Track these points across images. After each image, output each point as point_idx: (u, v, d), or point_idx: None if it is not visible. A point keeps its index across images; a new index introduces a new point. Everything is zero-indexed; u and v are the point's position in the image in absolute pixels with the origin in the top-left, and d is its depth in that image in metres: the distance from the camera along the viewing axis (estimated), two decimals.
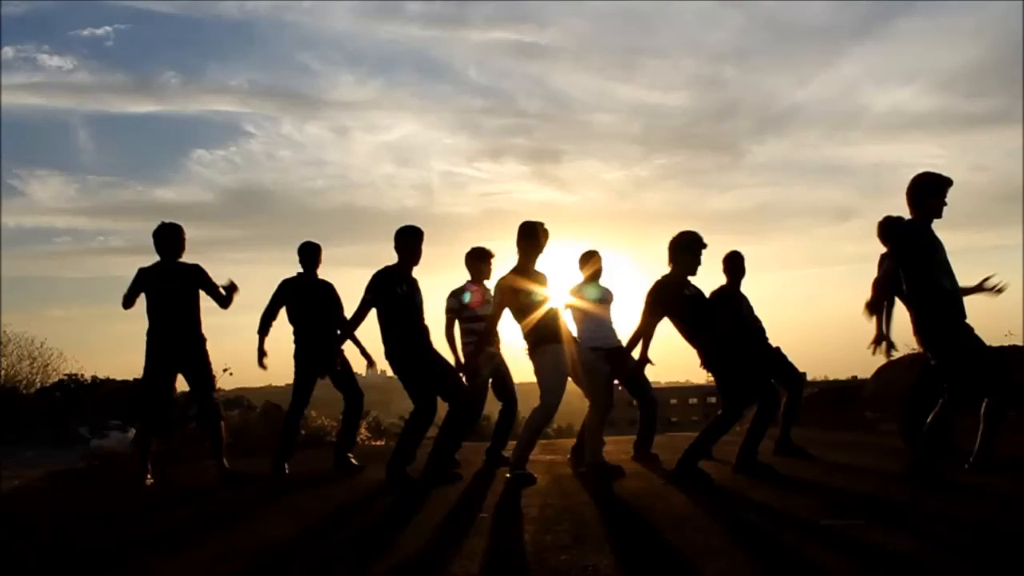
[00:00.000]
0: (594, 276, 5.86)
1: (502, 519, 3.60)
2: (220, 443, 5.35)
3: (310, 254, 5.73)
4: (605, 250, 6.02)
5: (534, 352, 4.68)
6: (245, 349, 5.98)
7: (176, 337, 5.19)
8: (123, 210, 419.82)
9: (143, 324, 5.25)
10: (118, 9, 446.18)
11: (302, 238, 5.78)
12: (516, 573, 2.66)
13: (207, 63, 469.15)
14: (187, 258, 5.33)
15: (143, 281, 5.18)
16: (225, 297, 5.32)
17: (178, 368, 5.24)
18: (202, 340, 5.33)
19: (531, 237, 4.82)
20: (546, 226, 4.87)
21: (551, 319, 4.74)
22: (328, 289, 5.81)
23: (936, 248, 4.05)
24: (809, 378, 6.02)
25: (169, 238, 5.25)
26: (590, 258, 5.87)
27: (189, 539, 3.50)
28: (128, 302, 5.15)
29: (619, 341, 5.63)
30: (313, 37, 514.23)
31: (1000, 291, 4.41)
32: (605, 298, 5.83)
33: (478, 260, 5.79)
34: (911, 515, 3.27)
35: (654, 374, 5.85)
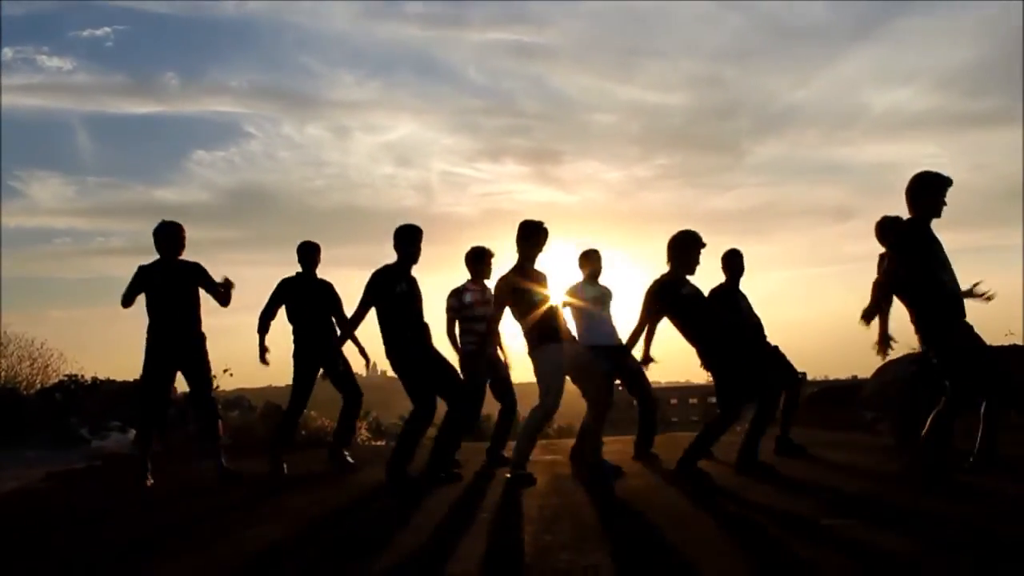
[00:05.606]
0: (593, 275, 5.88)
1: (502, 519, 3.61)
2: (218, 442, 5.36)
3: (309, 253, 5.77)
4: (605, 250, 6.04)
5: (534, 351, 4.68)
6: (245, 349, 6.00)
7: (176, 335, 5.19)
8: (123, 211, 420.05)
9: (142, 324, 5.25)
10: (117, 10, 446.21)
11: (302, 238, 5.84)
12: (516, 574, 2.67)
13: (207, 64, 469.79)
14: (186, 258, 5.34)
15: (143, 279, 5.18)
16: (224, 295, 5.35)
17: (177, 366, 5.25)
18: (202, 338, 5.34)
19: (531, 236, 4.83)
20: (545, 225, 4.88)
21: (551, 318, 4.74)
22: (327, 288, 5.82)
23: (936, 246, 4.05)
24: (809, 377, 6.10)
25: (169, 236, 5.27)
26: (589, 257, 5.89)
27: (182, 541, 3.51)
28: (127, 300, 5.14)
29: (619, 340, 5.62)
30: (313, 37, 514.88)
31: (990, 298, 4.34)
32: (604, 296, 5.84)
33: (478, 260, 5.81)
34: (910, 516, 3.27)
35: (655, 374, 5.85)
